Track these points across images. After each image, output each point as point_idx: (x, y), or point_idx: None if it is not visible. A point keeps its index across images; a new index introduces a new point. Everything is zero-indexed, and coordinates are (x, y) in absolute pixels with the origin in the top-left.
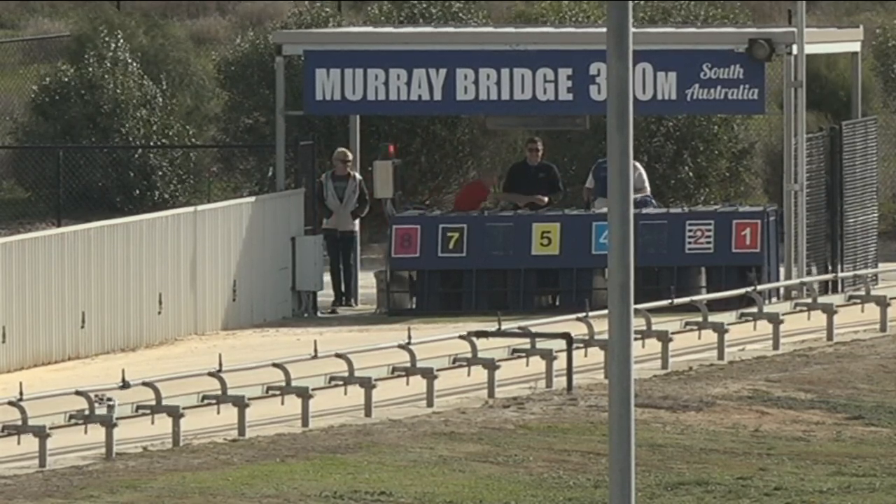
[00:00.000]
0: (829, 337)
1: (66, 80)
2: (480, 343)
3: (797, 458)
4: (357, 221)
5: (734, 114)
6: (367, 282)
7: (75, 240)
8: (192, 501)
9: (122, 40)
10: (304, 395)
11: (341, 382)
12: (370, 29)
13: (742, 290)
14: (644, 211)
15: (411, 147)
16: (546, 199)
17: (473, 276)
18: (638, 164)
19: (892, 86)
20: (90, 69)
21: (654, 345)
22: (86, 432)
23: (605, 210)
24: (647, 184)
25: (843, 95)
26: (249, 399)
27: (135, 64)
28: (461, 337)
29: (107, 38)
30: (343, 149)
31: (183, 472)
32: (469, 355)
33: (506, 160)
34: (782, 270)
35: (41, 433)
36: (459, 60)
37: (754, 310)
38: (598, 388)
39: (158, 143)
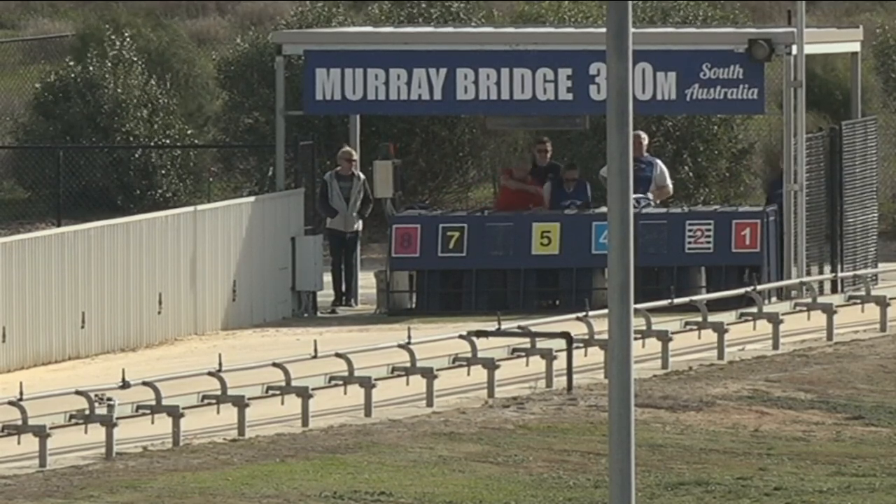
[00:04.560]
0: (829, 337)
1: (73, 76)
2: (480, 343)
3: (797, 458)
4: (360, 221)
5: (734, 114)
6: (367, 282)
7: (75, 240)
8: (192, 501)
9: (128, 38)
10: (304, 394)
11: (341, 382)
12: (370, 29)
13: (742, 290)
14: (644, 211)
15: (411, 147)
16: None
17: (473, 275)
18: (659, 161)
19: (892, 86)
20: (91, 68)
21: (654, 345)
22: (86, 432)
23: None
24: (668, 181)
25: (840, 95)
26: (249, 399)
27: (141, 63)
28: (461, 337)
29: (112, 36)
30: (348, 147)
31: (183, 472)
32: (469, 355)
33: (505, 160)
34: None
35: (41, 433)
36: (459, 60)
37: (754, 310)
38: (598, 388)
39: (159, 143)
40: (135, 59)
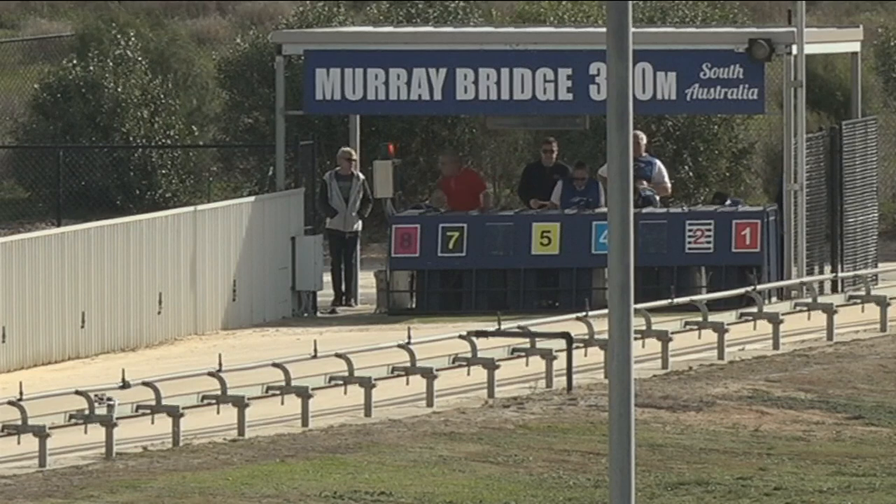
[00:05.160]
0: (829, 337)
1: (72, 77)
2: (480, 343)
3: (797, 458)
4: (360, 221)
5: (734, 114)
6: (367, 282)
7: (75, 240)
8: (192, 501)
9: (132, 38)
10: (304, 395)
11: (341, 382)
12: (370, 29)
13: (742, 290)
14: (645, 211)
15: (411, 147)
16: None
17: (473, 275)
18: (657, 161)
19: (893, 86)
20: (91, 68)
21: (654, 345)
22: (86, 432)
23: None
24: (667, 180)
25: (841, 95)
26: (249, 399)
27: (143, 62)
28: (461, 337)
29: (117, 35)
30: (347, 147)
31: (183, 472)
32: (469, 355)
33: (505, 160)
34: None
35: (41, 433)
36: (459, 60)
37: (754, 310)
38: (598, 388)
39: (159, 143)
40: (139, 58)
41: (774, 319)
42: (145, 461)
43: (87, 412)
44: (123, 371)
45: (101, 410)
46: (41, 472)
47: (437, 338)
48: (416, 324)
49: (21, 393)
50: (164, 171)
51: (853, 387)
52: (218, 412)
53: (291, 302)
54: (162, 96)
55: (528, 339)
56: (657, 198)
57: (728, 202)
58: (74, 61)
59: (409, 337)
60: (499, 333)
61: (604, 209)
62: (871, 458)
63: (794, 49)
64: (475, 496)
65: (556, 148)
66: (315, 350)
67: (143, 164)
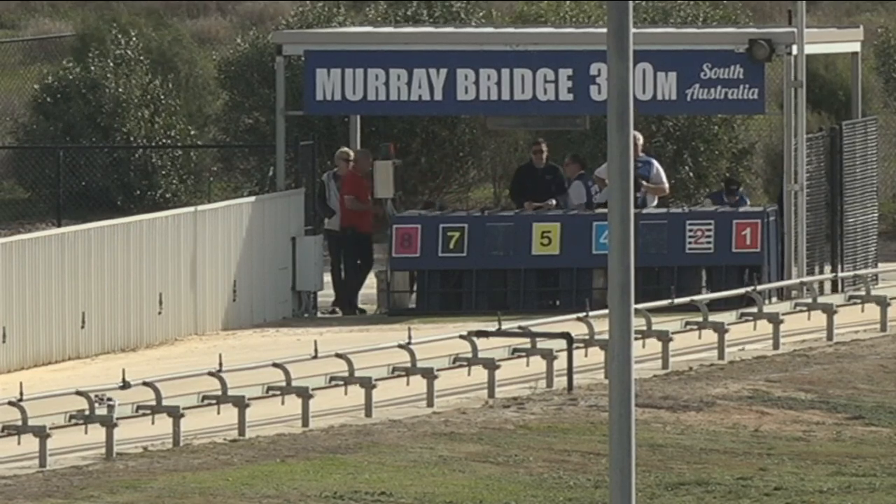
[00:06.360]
0: (829, 337)
1: (71, 77)
2: (480, 343)
3: (797, 458)
4: None
5: (734, 114)
6: (367, 282)
7: (75, 240)
8: (192, 501)
9: (133, 38)
10: (304, 395)
11: (341, 382)
12: (370, 29)
13: (742, 290)
14: (645, 211)
15: (411, 147)
16: (554, 202)
17: (473, 275)
18: (654, 161)
19: (893, 86)
20: (92, 69)
21: (654, 345)
22: (86, 432)
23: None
24: (664, 180)
25: (842, 95)
26: (249, 399)
27: (144, 62)
28: (461, 337)
29: (118, 35)
30: (345, 148)
31: (183, 472)
32: (469, 355)
33: (506, 160)
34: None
35: (41, 433)
36: (460, 60)
37: (754, 310)
38: (598, 388)
39: (159, 143)
40: (141, 58)
41: (774, 319)
42: (145, 461)
43: (87, 412)
44: (123, 371)
45: (101, 411)
46: (41, 472)
47: (438, 338)
48: (416, 324)
49: (21, 393)
50: (164, 172)
51: (853, 387)
52: (218, 412)
53: (292, 302)
54: (162, 96)
55: (528, 340)
56: (648, 197)
57: (741, 189)
58: (73, 62)
59: (410, 337)
60: (499, 333)
61: (604, 210)
62: (871, 458)
63: (795, 49)
64: (475, 496)
65: (545, 149)
66: (315, 350)
67: (144, 165)
